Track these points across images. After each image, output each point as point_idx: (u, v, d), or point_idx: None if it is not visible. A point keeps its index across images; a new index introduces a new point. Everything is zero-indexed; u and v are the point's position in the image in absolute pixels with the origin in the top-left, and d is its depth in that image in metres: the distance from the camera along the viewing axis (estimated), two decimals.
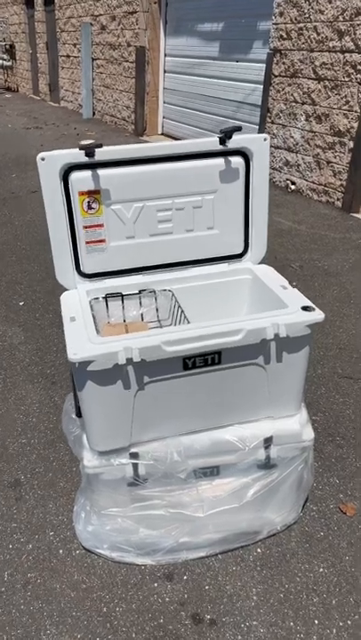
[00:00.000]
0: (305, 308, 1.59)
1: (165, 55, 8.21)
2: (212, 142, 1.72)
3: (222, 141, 1.72)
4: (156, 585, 1.72)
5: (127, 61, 8.75)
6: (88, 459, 1.65)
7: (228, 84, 6.78)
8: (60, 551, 1.83)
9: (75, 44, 10.70)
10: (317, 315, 1.57)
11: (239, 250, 1.89)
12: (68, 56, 11.28)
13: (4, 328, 3.19)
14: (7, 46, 15.31)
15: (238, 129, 1.67)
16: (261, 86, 5.92)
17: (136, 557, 1.77)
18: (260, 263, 1.94)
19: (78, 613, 1.64)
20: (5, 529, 1.90)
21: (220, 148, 1.73)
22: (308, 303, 1.62)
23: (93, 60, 10.04)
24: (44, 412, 2.48)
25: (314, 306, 1.60)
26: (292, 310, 1.58)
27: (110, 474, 1.65)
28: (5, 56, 15.45)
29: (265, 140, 1.75)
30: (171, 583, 1.72)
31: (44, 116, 10.85)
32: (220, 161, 1.75)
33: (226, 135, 1.69)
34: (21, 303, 3.49)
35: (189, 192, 1.76)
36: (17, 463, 2.19)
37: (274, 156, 5.84)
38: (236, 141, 1.73)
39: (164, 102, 8.49)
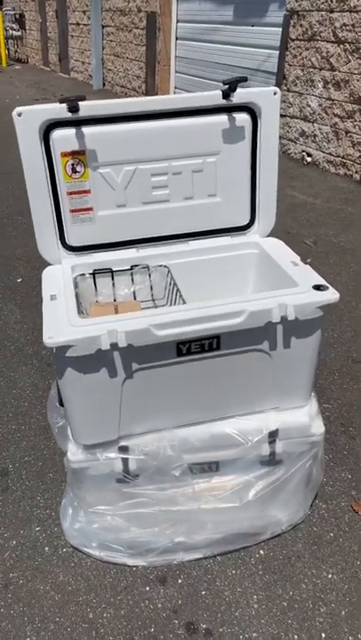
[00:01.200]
0: (317, 287, 1.39)
1: (178, 21, 7.83)
2: (213, 96, 1.51)
3: (226, 95, 1.50)
4: (147, 589, 1.57)
5: (138, 28, 8.39)
6: (73, 452, 1.49)
7: (242, 50, 6.43)
8: (46, 548, 1.69)
9: (84, 11, 10.31)
10: (331, 294, 1.37)
11: (245, 221, 1.69)
12: (77, 24, 10.90)
13: None
14: (17, 16, 14.88)
15: (244, 79, 1.46)
16: (277, 52, 5.59)
17: (127, 558, 1.62)
18: (268, 236, 1.73)
19: (62, 619, 1.50)
20: None
21: (224, 102, 1.51)
22: (322, 281, 1.42)
23: (103, 27, 9.67)
24: (37, 397, 2.33)
25: (327, 284, 1.41)
26: (302, 289, 1.39)
27: (97, 469, 1.49)
28: (15, 26, 15.03)
29: (275, 93, 1.53)
30: (164, 587, 1.57)
31: (53, 88, 10.54)
32: (223, 118, 1.53)
33: (230, 87, 1.48)
34: (19, 280, 3.33)
35: (188, 153, 1.55)
36: (5, 451, 2.05)
37: (289, 126, 5.54)
38: (241, 95, 1.51)
39: (176, 71, 8.14)
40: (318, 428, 1.56)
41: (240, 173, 1.62)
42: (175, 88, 8.27)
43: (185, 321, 1.29)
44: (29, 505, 1.83)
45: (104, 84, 10.20)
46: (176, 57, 8.08)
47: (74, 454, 1.49)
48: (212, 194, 1.63)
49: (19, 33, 15.08)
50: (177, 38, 7.95)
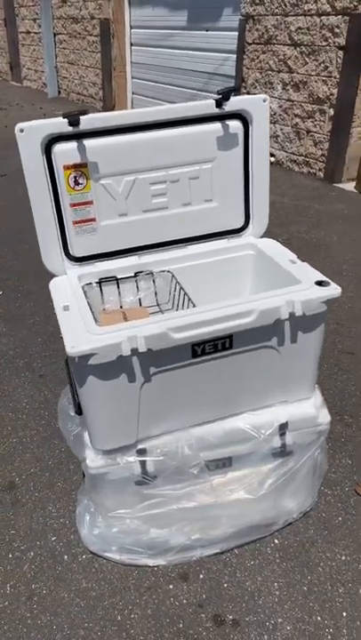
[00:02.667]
0: (319, 283, 1.47)
1: (131, 27, 7.88)
2: (207, 105, 1.57)
3: (219, 104, 1.56)
4: (171, 587, 1.61)
5: (91, 35, 8.39)
6: (91, 459, 1.51)
7: (198, 54, 6.53)
8: (65, 557, 1.70)
9: (35, 19, 10.23)
10: (334, 289, 1.44)
11: (240, 223, 1.75)
12: (28, 32, 10.80)
13: None
14: None
15: (236, 89, 1.52)
16: (234, 55, 5.71)
17: (147, 559, 1.65)
18: (261, 237, 1.80)
19: (91, 624, 1.52)
20: (4, 537, 1.77)
21: (217, 111, 1.57)
22: (322, 277, 1.49)
23: (55, 35, 9.62)
24: (35, 408, 2.33)
25: (329, 280, 1.48)
26: (305, 286, 1.46)
27: (116, 473, 1.52)
28: None
29: (265, 101, 1.60)
30: (187, 583, 1.62)
31: (6, 97, 10.40)
32: (216, 126, 1.59)
33: (223, 97, 1.54)
34: (0, 292, 3.30)
35: (185, 161, 1.60)
36: (10, 464, 2.05)
37: None
38: (233, 103, 1.57)
39: (133, 77, 8.19)
40: (325, 417, 1.63)
41: (234, 178, 1.68)
42: (133, 94, 8.31)
43: (200, 323, 1.34)
44: (42, 516, 1.84)
45: (59, 92, 10.14)
46: (132, 63, 8.12)
47: (93, 461, 1.51)
48: (209, 199, 1.68)
49: None
50: (132, 44, 8.00)
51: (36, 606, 1.57)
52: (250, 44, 5.40)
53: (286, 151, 5.32)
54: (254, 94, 5.35)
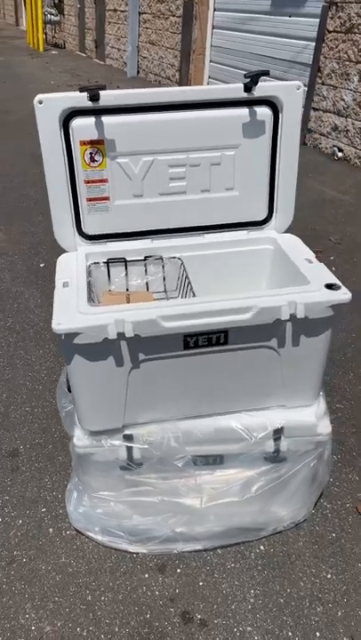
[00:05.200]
0: (330, 286, 1.38)
1: (215, 9, 7.75)
2: (235, 89, 1.50)
3: (247, 88, 1.49)
4: (146, 576, 1.59)
5: (174, 16, 8.33)
6: (78, 437, 1.51)
7: (278, 41, 6.33)
8: (50, 530, 1.72)
9: None
10: (342, 294, 1.35)
11: (262, 216, 1.68)
12: (115, 10, 10.87)
13: (21, 289, 3.08)
14: (55, 0, 14.92)
15: (265, 73, 1.44)
16: (314, 43, 5.49)
17: (128, 544, 1.64)
18: (287, 232, 1.72)
19: (61, 599, 1.54)
20: None
21: (245, 96, 1.50)
22: (334, 280, 1.40)
23: (140, 14, 9.62)
24: (52, 381, 2.36)
25: (340, 283, 1.39)
26: (314, 287, 1.37)
27: (102, 455, 1.52)
28: (53, 11, 15.06)
29: (298, 88, 1.51)
30: (163, 575, 1.59)
31: (87, 74, 10.55)
32: (244, 111, 1.52)
33: (251, 80, 1.46)
34: (42, 265, 3.37)
35: (207, 146, 1.55)
36: (17, 432, 2.10)
37: (322, 120, 5.44)
38: (263, 89, 1.50)
39: (211, 61, 8.07)
40: (325, 428, 1.55)
41: (259, 168, 1.60)
42: (209, 78, 8.20)
43: (192, 314, 1.29)
44: (37, 486, 1.87)
45: (138, 72, 10.17)
46: (212, 46, 8.00)
47: (80, 440, 1.51)
48: (230, 187, 1.62)
49: (57, 18, 15.12)
50: (213, 27, 7.87)
51: (13, 572, 1.60)
52: (330, 31, 5.16)
53: (356, 147, 5.08)
54: (329, 85, 5.14)
